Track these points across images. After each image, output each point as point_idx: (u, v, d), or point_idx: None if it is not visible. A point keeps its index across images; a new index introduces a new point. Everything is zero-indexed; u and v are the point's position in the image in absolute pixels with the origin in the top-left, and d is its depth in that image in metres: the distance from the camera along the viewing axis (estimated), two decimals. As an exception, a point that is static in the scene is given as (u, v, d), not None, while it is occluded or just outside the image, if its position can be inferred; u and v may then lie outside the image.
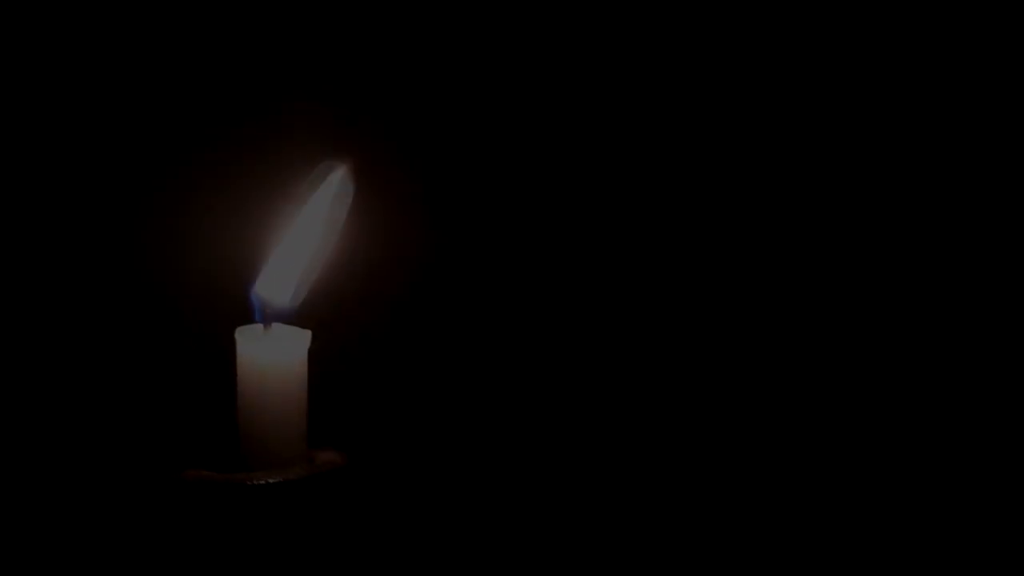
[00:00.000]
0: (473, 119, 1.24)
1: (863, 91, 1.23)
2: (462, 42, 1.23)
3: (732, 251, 1.25)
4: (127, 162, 1.21)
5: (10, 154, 1.20)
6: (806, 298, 1.24)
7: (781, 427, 1.24)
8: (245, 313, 0.92)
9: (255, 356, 0.89)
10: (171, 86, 1.21)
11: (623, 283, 1.25)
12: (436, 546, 1.21)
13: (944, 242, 1.23)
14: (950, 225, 1.23)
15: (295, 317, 0.92)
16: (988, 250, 1.23)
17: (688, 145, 1.24)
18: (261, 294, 0.91)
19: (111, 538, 1.16)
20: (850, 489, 1.23)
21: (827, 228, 1.24)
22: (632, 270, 1.25)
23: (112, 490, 1.18)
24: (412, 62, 1.23)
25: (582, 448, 1.25)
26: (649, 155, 1.25)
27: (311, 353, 0.91)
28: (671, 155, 1.24)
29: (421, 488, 1.22)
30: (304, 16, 1.22)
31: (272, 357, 0.89)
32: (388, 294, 1.22)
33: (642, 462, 1.25)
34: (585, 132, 1.24)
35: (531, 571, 1.23)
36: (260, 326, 0.91)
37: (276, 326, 0.91)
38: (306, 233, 0.92)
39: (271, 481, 0.88)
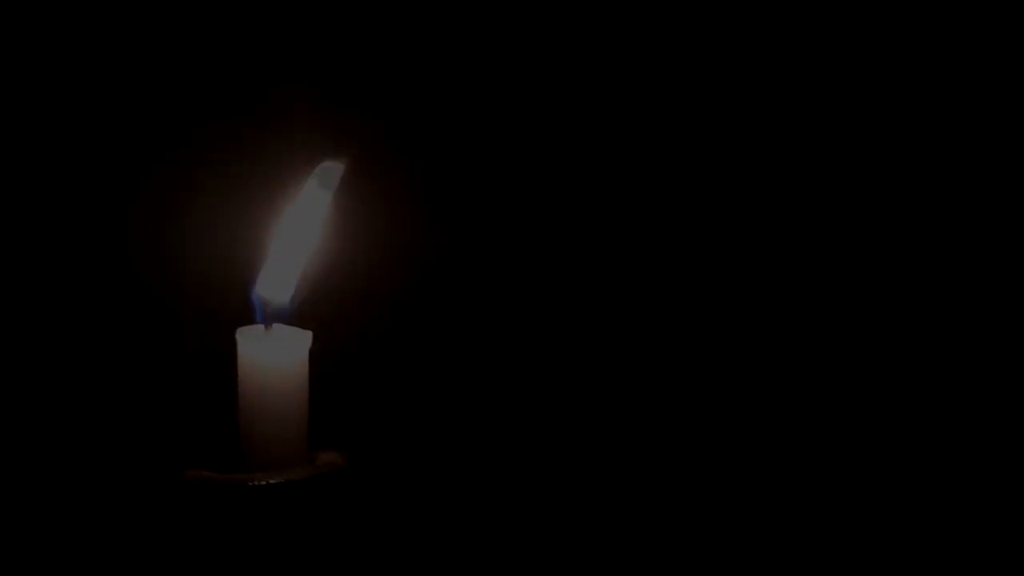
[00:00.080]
0: (472, 119, 1.24)
1: (863, 91, 1.23)
2: (461, 42, 1.23)
3: (736, 250, 1.25)
4: (128, 163, 1.21)
5: (12, 155, 1.20)
6: (806, 298, 1.24)
7: (781, 427, 1.24)
8: (246, 314, 0.92)
9: (256, 357, 0.89)
10: (172, 88, 1.21)
11: (622, 282, 1.25)
12: (436, 546, 1.21)
13: (944, 242, 1.23)
14: (950, 225, 1.23)
15: (295, 317, 0.92)
16: (988, 250, 1.23)
17: (688, 145, 1.24)
18: (262, 294, 0.91)
19: (112, 538, 1.16)
20: (850, 489, 1.23)
21: (827, 228, 1.24)
22: (631, 268, 1.25)
23: (113, 490, 1.18)
24: (412, 62, 1.23)
25: (582, 448, 1.25)
26: (648, 153, 1.25)
27: (312, 354, 0.91)
28: (669, 154, 1.24)
29: (421, 488, 1.22)
30: (304, 17, 1.22)
31: (273, 358, 0.89)
32: (388, 295, 1.22)
33: (642, 462, 1.25)
34: (584, 131, 1.24)
35: (531, 571, 1.23)
36: (261, 327, 0.91)
37: (277, 327, 0.91)
38: (301, 231, 0.92)
39: (272, 482, 0.88)
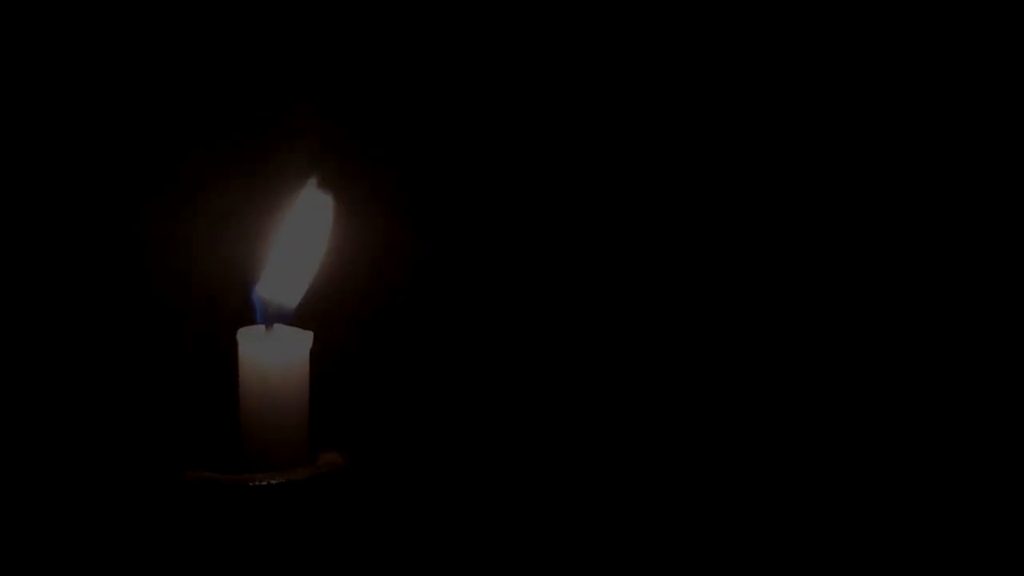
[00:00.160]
0: (472, 120, 1.24)
1: (863, 91, 1.23)
2: (454, 49, 1.23)
3: (728, 251, 1.25)
4: (130, 164, 1.21)
5: (14, 156, 1.20)
6: (806, 298, 1.24)
7: (781, 427, 1.24)
8: (247, 314, 0.92)
9: (257, 357, 0.89)
10: (175, 94, 1.21)
11: (621, 281, 1.25)
12: (436, 546, 1.21)
13: (944, 242, 1.23)
14: (950, 225, 1.23)
15: (296, 318, 0.92)
16: (988, 250, 1.23)
17: (677, 151, 1.24)
18: (263, 295, 0.91)
19: (113, 538, 1.16)
20: (850, 489, 1.23)
21: (827, 228, 1.24)
22: (629, 266, 1.25)
23: (114, 490, 1.18)
24: (407, 68, 1.23)
25: (582, 448, 1.25)
26: (638, 160, 1.25)
27: (313, 354, 0.91)
28: (660, 161, 1.24)
29: (422, 489, 1.22)
30: (302, 28, 1.22)
31: (274, 358, 0.89)
32: (389, 295, 1.22)
33: (642, 462, 1.25)
34: (576, 134, 1.24)
35: (531, 571, 1.23)
36: (262, 327, 0.91)
37: (278, 327, 0.91)
38: (305, 234, 0.92)
39: (273, 482, 0.88)
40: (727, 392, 1.25)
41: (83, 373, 1.20)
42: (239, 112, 1.21)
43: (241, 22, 1.21)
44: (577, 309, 1.25)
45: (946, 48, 1.22)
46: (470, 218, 1.24)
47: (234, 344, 0.90)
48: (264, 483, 0.88)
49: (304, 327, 0.92)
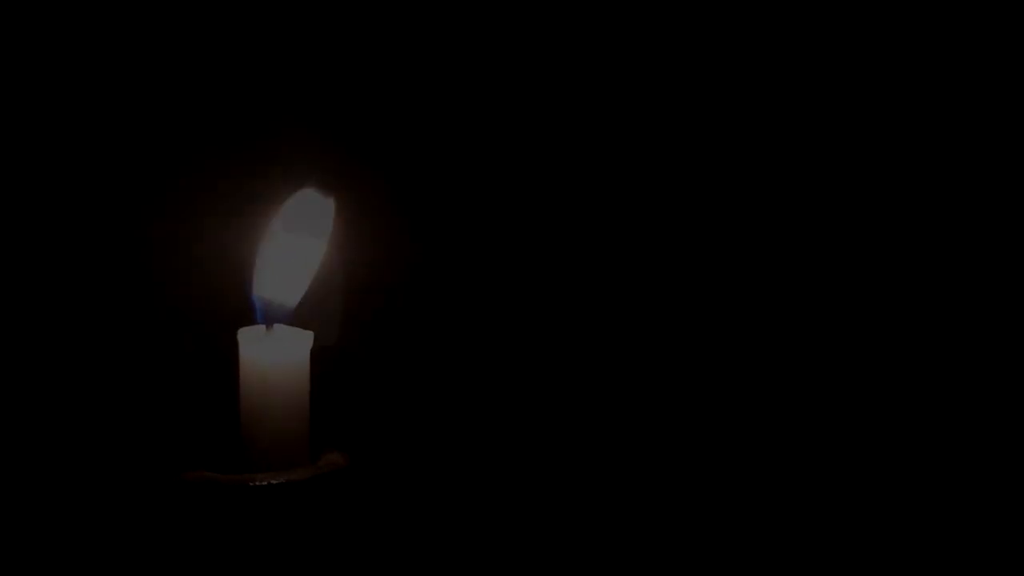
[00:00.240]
0: (471, 122, 1.24)
1: (863, 91, 1.23)
2: (452, 50, 1.23)
3: (727, 251, 1.25)
4: (130, 165, 1.21)
5: (17, 158, 1.20)
6: (806, 298, 1.24)
7: (781, 427, 1.24)
8: (248, 314, 0.92)
9: (258, 357, 0.89)
10: (176, 95, 1.21)
11: (620, 282, 1.25)
12: (437, 546, 1.21)
13: (944, 242, 1.23)
14: (950, 225, 1.23)
15: (296, 318, 0.92)
16: (988, 250, 1.23)
17: (674, 153, 1.24)
18: (262, 295, 0.91)
19: (113, 538, 1.16)
20: (850, 489, 1.23)
21: (827, 228, 1.24)
22: (628, 267, 1.25)
23: (115, 491, 1.18)
24: (405, 70, 1.23)
25: (582, 448, 1.25)
26: (635, 161, 1.25)
27: (313, 354, 0.91)
28: (657, 163, 1.24)
29: (423, 489, 1.22)
30: (302, 30, 1.22)
31: (274, 358, 0.89)
32: (390, 295, 1.22)
33: (642, 462, 1.25)
34: (574, 135, 1.24)
35: (531, 571, 1.23)
36: (263, 327, 0.91)
37: (278, 327, 0.91)
38: (298, 236, 0.92)
39: (274, 482, 0.88)
40: (727, 392, 1.25)
41: (84, 373, 1.20)
42: (240, 113, 1.21)
43: (242, 25, 1.21)
44: (576, 309, 1.25)
45: (946, 48, 1.22)
46: (471, 218, 1.24)
47: (235, 344, 0.90)
48: (265, 483, 0.88)
49: (304, 327, 0.92)
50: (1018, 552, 1.20)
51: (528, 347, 1.25)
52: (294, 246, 0.92)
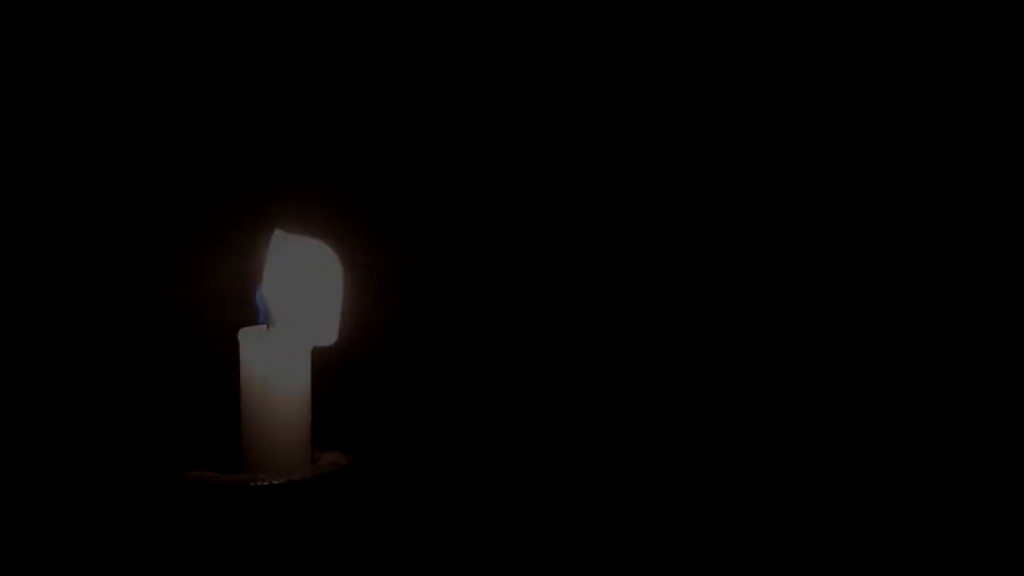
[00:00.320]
0: (471, 124, 1.24)
1: (863, 91, 1.23)
2: (450, 51, 1.23)
3: (725, 252, 1.25)
4: (133, 166, 1.21)
5: (19, 159, 1.20)
6: (806, 298, 1.24)
7: (781, 427, 1.25)
8: (249, 314, 0.92)
9: (258, 357, 0.89)
10: (178, 96, 1.21)
11: (619, 282, 1.25)
12: (437, 546, 1.21)
13: (944, 242, 1.23)
14: (950, 225, 1.23)
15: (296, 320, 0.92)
16: (988, 250, 1.23)
17: (670, 155, 1.24)
18: (266, 297, 0.91)
19: (115, 539, 1.16)
20: (850, 489, 1.23)
21: (827, 228, 1.24)
22: (628, 268, 1.25)
23: (116, 491, 1.18)
24: (404, 71, 1.23)
25: (582, 448, 1.25)
26: (632, 162, 1.25)
27: (314, 354, 0.91)
28: (653, 167, 1.25)
29: (424, 489, 1.22)
30: (302, 31, 1.22)
31: (275, 358, 0.89)
32: (390, 295, 1.22)
33: (642, 462, 1.25)
34: (572, 135, 1.25)
35: (531, 571, 1.23)
36: (264, 328, 0.91)
37: (279, 327, 0.91)
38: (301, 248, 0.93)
39: (275, 482, 0.88)
40: (727, 392, 1.25)
41: (85, 374, 1.20)
42: (241, 113, 1.21)
43: (243, 26, 1.21)
44: (576, 310, 1.25)
45: (946, 48, 1.22)
46: (471, 219, 1.24)
47: (235, 344, 0.90)
48: (266, 483, 0.88)
49: (305, 328, 0.92)
50: (1018, 552, 1.20)
51: (528, 347, 1.25)
52: (302, 252, 0.92)
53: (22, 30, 1.19)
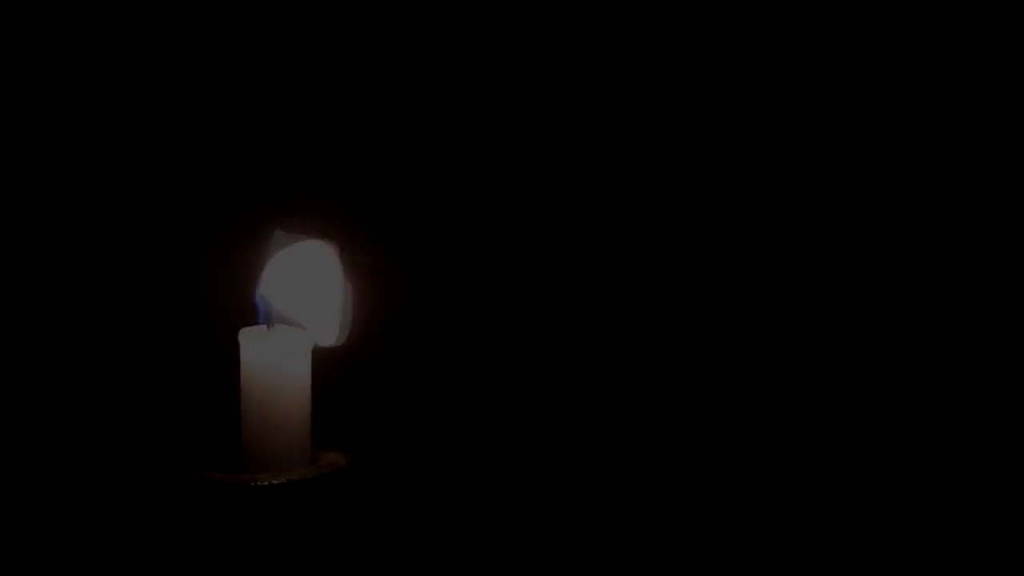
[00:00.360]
0: (471, 123, 1.24)
1: (863, 91, 1.23)
2: (448, 51, 1.23)
3: (724, 252, 1.25)
4: (134, 164, 1.21)
5: (22, 159, 1.20)
6: (806, 298, 1.24)
7: (781, 427, 1.25)
8: (250, 314, 0.92)
9: (259, 357, 0.89)
10: (179, 94, 1.21)
11: (618, 284, 1.25)
12: (437, 546, 1.21)
13: (944, 242, 1.23)
14: (950, 225, 1.23)
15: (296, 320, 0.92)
16: (988, 250, 1.23)
17: (666, 157, 1.24)
18: (266, 296, 0.91)
19: (115, 539, 1.16)
20: (850, 489, 1.23)
21: (827, 228, 1.24)
22: (628, 268, 1.25)
23: (116, 491, 1.18)
24: (403, 71, 1.23)
25: (582, 448, 1.25)
26: (629, 163, 1.25)
27: (314, 354, 0.91)
28: (654, 166, 1.25)
29: (424, 489, 1.22)
30: (301, 30, 1.22)
31: (275, 358, 0.89)
32: (391, 295, 1.22)
33: (642, 462, 1.25)
34: (568, 140, 1.25)
35: (531, 571, 1.23)
36: (264, 327, 0.91)
37: (280, 327, 0.91)
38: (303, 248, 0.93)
39: (275, 482, 0.88)
40: (727, 392, 1.25)
41: (85, 373, 1.20)
42: (243, 112, 1.21)
43: (245, 26, 1.21)
44: (576, 310, 1.25)
45: (946, 48, 1.22)
46: (472, 219, 1.24)
47: (236, 344, 0.90)
48: (266, 483, 0.88)
49: (306, 328, 0.92)
50: (1018, 552, 1.20)
51: (528, 347, 1.25)
52: (303, 252, 0.92)
53: (28, 33, 1.19)
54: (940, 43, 1.22)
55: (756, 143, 1.24)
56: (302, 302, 0.91)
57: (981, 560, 1.21)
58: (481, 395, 1.25)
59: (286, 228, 0.93)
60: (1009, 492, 1.22)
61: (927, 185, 1.23)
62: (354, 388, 1.20)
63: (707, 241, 1.25)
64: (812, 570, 1.22)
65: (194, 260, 1.19)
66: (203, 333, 1.17)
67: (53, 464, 1.19)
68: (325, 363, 0.92)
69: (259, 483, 0.88)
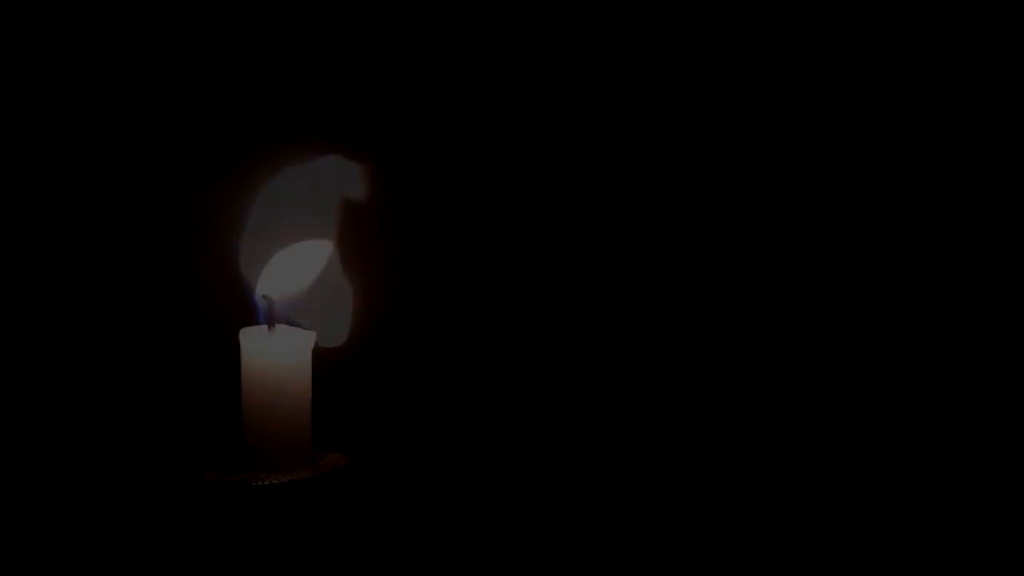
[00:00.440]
0: (470, 122, 1.24)
1: (863, 91, 1.23)
2: (446, 52, 1.23)
3: (717, 253, 1.25)
4: (134, 162, 1.21)
5: (21, 156, 1.20)
6: (806, 298, 1.24)
7: (781, 427, 1.24)
8: (250, 314, 0.92)
9: (259, 357, 0.89)
10: (180, 94, 1.21)
11: (617, 284, 1.25)
12: (437, 546, 1.21)
13: (944, 242, 1.23)
14: (950, 225, 1.23)
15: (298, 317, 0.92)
16: (988, 250, 1.23)
17: (663, 158, 1.24)
18: (265, 294, 0.91)
19: (115, 538, 1.16)
20: (850, 489, 1.23)
21: (827, 228, 1.24)
22: (628, 267, 1.25)
23: (117, 491, 1.18)
24: (403, 71, 1.23)
25: (582, 448, 1.25)
26: (631, 163, 1.25)
27: (315, 354, 0.91)
28: (653, 166, 1.25)
29: (424, 489, 1.22)
30: (301, 29, 1.22)
31: (276, 358, 0.89)
32: (391, 296, 1.22)
33: (642, 462, 1.25)
34: (567, 140, 1.25)
35: (531, 571, 1.23)
36: (265, 327, 0.91)
37: (280, 327, 0.91)
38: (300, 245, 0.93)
39: (275, 482, 0.88)
40: (727, 392, 1.25)
41: (86, 373, 1.20)
42: (243, 111, 1.21)
43: (245, 25, 1.21)
44: (576, 309, 1.25)
45: (946, 48, 1.22)
46: (473, 219, 1.24)
47: (236, 344, 0.90)
48: (266, 483, 0.88)
49: (307, 327, 0.92)
50: (1018, 552, 1.20)
51: (529, 347, 1.25)
52: (300, 249, 0.92)
53: (24, 25, 1.19)
54: (940, 43, 1.22)
55: (756, 143, 1.24)
56: (303, 301, 0.91)
57: (981, 560, 1.21)
58: (481, 395, 1.25)
59: (288, 226, 0.93)
60: (1009, 492, 1.22)
61: (927, 185, 1.23)
62: (354, 388, 1.20)
63: (707, 239, 1.25)
64: (812, 570, 1.22)
65: (195, 259, 1.19)
66: (203, 333, 1.17)
67: (54, 465, 1.19)
68: (325, 363, 0.92)
69: (260, 483, 0.88)
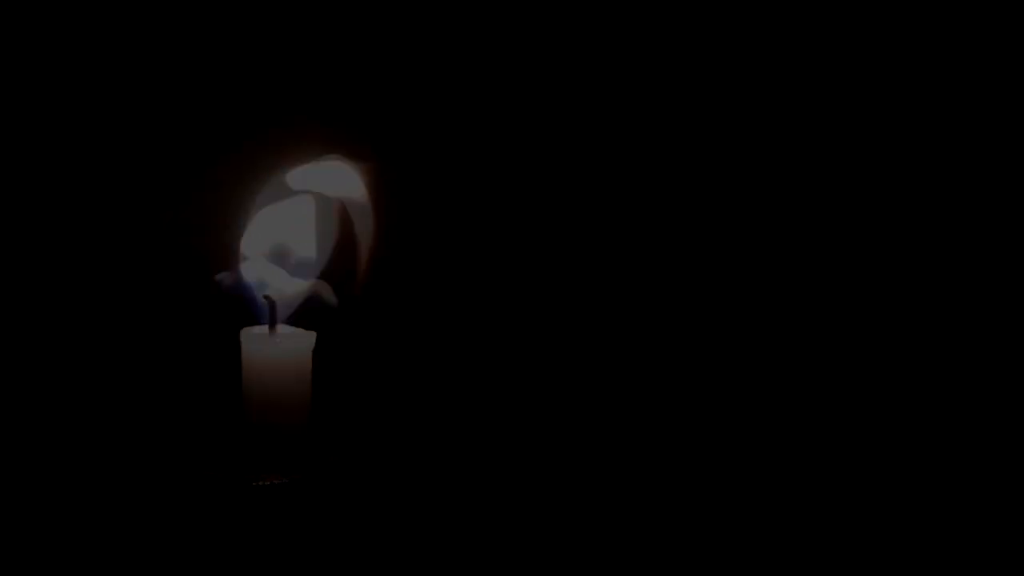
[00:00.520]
0: (470, 121, 1.24)
1: (863, 91, 1.23)
2: (446, 51, 1.23)
3: (717, 253, 1.25)
4: (134, 161, 1.21)
5: (20, 155, 1.20)
6: (806, 298, 1.25)
7: (781, 427, 1.25)
8: (251, 314, 0.92)
9: (260, 357, 0.90)
10: (181, 94, 1.21)
11: (617, 284, 1.25)
12: (438, 546, 1.21)
13: (944, 242, 1.23)
14: (950, 225, 1.23)
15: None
16: (988, 250, 1.23)
17: (667, 160, 1.25)
18: (250, 277, 0.91)
19: (115, 538, 1.16)
20: (850, 489, 1.23)
21: (827, 228, 1.24)
22: (625, 270, 1.25)
23: (117, 491, 1.18)
24: (403, 70, 1.23)
25: (582, 448, 1.25)
26: (631, 164, 1.25)
27: (315, 354, 0.91)
28: (653, 166, 1.25)
29: (424, 489, 1.22)
30: (300, 28, 1.22)
31: (277, 358, 0.90)
32: (391, 295, 1.22)
33: (642, 462, 1.25)
34: (567, 140, 1.25)
35: (531, 571, 1.23)
36: (265, 327, 0.91)
37: (281, 327, 0.91)
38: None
39: (275, 482, 0.88)
40: (727, 392, 1.25)
41: (86, 373, 1.20)
42: (244, 110, 1.21)
43: (245, 24, 1.21)
44: (576, 309, 1.25)
45: (946, 48, 1.22)
46: (473, 219, 1.24)
47: (237, 344, 0.90)
48: (267, 483, 0.88)
49: (307, 327, 0.92)
50: (1018, 552, 1.20)
51: (529, 347, 1.25)
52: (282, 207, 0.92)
53: (24, 25, 1.19)
54: (940, 43, 1.22)
55: (756, 143, 1.24)
56: (276, 240, 0.92)
57: (981, 560, 1.21)
58: (482, 395, 1.25)
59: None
60: (1009, 492, 1.22)
61: (927, 185, 1.23)
62: (354, 388, 1.20)
63: (707, 238, 1.25)
64: (812, 570, 1.23)
65: (196, 259, 1.19)
66: (204, 333, 1.17)
67: (55, 463, 1.19)
68: (325, 363, 0.92)
69: (260, 483, 0.88)
